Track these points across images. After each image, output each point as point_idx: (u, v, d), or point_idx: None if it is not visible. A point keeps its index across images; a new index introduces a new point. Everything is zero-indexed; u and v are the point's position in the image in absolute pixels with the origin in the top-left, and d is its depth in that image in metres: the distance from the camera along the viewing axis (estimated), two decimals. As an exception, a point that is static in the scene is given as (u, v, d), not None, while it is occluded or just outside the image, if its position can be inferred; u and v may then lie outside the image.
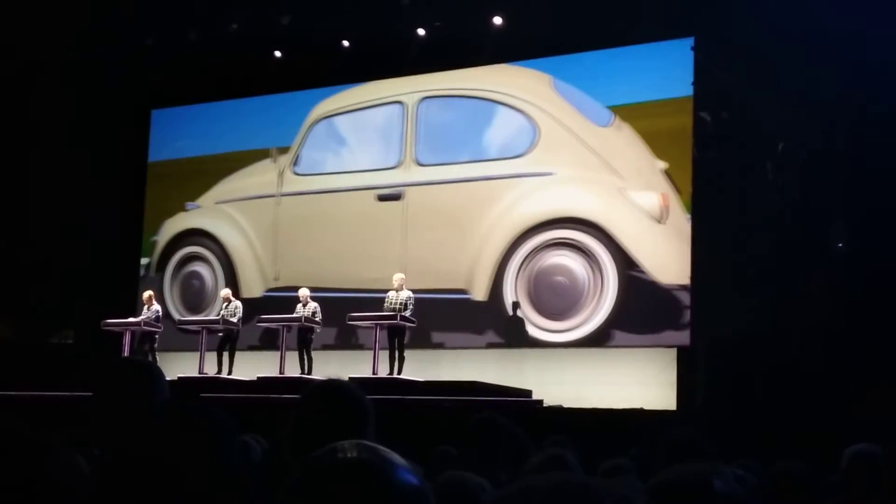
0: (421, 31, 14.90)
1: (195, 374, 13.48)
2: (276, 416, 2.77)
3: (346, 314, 12.95)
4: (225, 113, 16.76)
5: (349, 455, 1.29)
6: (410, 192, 14.92)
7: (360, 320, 12.83)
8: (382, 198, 15.02)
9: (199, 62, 15.86)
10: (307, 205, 15.71)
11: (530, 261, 13.94)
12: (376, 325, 12.56)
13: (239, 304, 14.01)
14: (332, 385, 2.45)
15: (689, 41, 13.32)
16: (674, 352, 12.80)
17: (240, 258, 16.17)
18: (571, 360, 13.47)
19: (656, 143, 13.47)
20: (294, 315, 13.24)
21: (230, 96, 16.52)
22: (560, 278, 13.77)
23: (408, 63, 15.01)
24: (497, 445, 2.92)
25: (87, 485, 1.72)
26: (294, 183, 15.92)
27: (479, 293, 14.22)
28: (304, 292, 13.48)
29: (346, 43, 15.43)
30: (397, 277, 12.95)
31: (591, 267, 13.54)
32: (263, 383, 12.57)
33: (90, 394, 2.73)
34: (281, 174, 15.99)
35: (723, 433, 8.28)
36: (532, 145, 14.24)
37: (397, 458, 1.31)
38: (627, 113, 13.76)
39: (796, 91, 12.16)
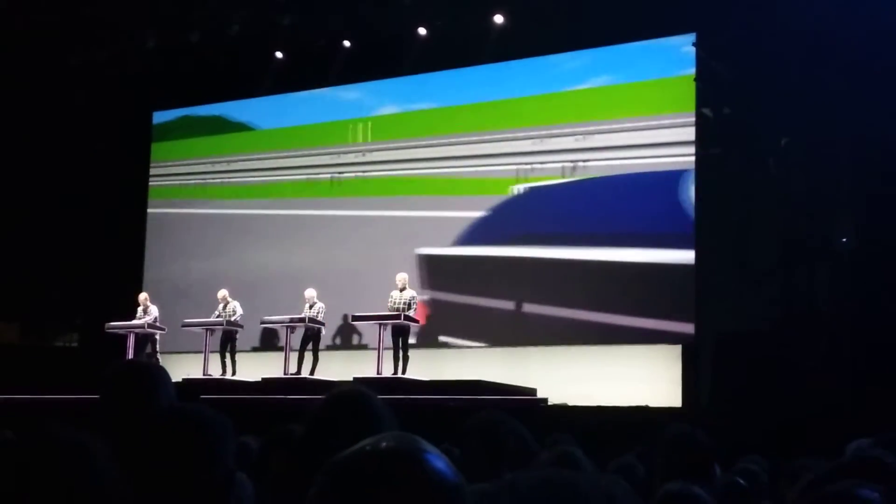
0: (422, 31, 14.88)
1: (200, 375, 13.49)
2: (280, 417, 2.75)
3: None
4: (225, 114, 16.85)
5: (382, 444, 1.26)
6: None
7: (364, 320, 12.85)
8: None
9: (200, 63, 15.86)
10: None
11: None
12: (380, 324, 12.56)
13: (237, 303, 14.00)
14: (353, 393, 2.33)
15: (692, 37, 13.30)
16: (679, 348, 12.76)
17: None
18: (576, 358, 13.44)
19: (659, 139, 13.45)
20: (300, 315, 13.26)
21: (232, 97, 16.55)
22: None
23: (408, 62, 15.02)
24: (499, 444, 2.90)
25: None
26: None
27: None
28: (310, 293, 13.45)
29: (346, 43, 15.43)
30: (400, 277, 12.95)
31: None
32: (267, 384, 12.58)
33: (96, 397, 2.73)
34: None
35: (728, 430, 8.29)
36: None
37: (429, 446, 1.29)
38: (629, 107, 13.76)
39: (799, 86, 12.12)
